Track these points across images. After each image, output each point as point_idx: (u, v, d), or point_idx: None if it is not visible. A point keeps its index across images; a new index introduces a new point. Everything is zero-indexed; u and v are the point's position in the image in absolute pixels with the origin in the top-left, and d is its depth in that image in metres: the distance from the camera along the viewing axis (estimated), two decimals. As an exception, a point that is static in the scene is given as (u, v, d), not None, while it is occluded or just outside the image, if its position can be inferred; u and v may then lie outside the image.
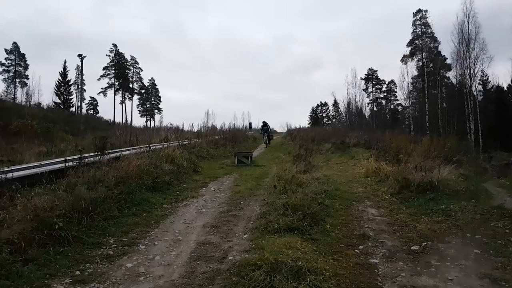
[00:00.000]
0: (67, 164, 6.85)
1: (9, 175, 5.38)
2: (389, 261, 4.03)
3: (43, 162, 8.40)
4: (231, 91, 79.30)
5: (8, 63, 41.89)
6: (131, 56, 50.97)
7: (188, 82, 78.26)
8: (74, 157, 7.99)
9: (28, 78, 41.78)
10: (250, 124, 35.68)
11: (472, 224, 5.16)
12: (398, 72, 52.24)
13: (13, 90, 41.39)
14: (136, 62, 51.31)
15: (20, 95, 41.07)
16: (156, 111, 54.73)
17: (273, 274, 3.22)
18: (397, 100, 45.92)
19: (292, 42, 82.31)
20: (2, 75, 41.37)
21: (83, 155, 7.48)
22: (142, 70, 52.08)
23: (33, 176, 6.19)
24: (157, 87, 54.70)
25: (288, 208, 5.18)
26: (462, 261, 3.91)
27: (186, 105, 69.66)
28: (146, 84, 53.45)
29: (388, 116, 46.95)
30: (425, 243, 4.47)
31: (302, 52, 79.91)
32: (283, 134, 32.75)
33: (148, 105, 54.07)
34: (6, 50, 41.71)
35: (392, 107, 48.42)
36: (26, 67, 42.65)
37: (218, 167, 11.44)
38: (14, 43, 42.35)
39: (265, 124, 21.83)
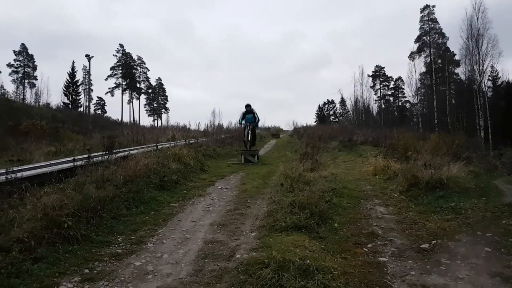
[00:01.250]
0: (75, 164, 6.92)
1: (19, 174, 5.44)
2: (398, 259, 3.99)
3: (52, 162, 8.53)
4: (237, 89, 79.17)
5: (17, 64, 42.61)
6: (137, 56, 51.54)
7: (195, 80, 78.51)
8: (83, 156, 8.07)
9: (37, 79, 42.49)
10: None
11: (483, 222, 5.08)
12: (406, 69, 51.88)
13: (22, 91, 42.21)
14: (143, 62, 51.84)
15: (29, 96, 41.80)
16: (163, 110, 55.20)
17: (281, 273, 3.21)
18: (405, 97, 45.65)
19: (299, 40, 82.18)
20: (11, 76, 42.17)
21: (92, 155, 7.53)
22: (148, 70, 52.62)
23: (42, 175, 6.29)
24: (164, 86, 55.24)
25: (295, 207, 5.14)
26: (472, 260, 3.85)
27: (192, 104, 70.03)
28: (153, 83, 53.93)
29: (396, 113, 46.51)
30: (435, 241, 4.41)
31: (309, 50, 79.73)
32: (290, 133, 32.61)
33: (155, 105, 54.49)
34: (14, 51, 42.56)
35: (400, 104, 47.97)
36: (34, 68, 43.35)
37: (225, 166, 11.43)
38: (22, 44, 43.16)
39: (248, 111, 12.93)
